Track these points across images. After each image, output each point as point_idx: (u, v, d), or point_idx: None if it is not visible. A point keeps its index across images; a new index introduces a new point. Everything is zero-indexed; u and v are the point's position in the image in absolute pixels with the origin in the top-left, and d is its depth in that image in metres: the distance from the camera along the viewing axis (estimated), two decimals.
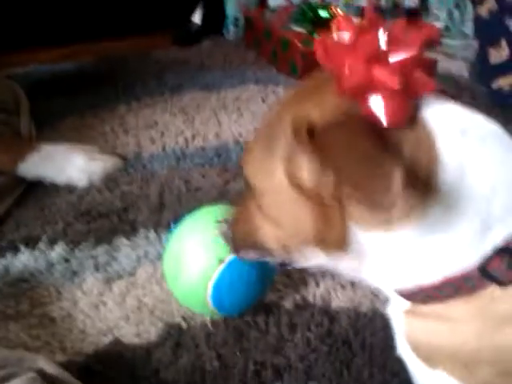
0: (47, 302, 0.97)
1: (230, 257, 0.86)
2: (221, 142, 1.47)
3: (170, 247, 0.94)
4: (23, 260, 1.05)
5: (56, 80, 1.77)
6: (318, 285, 1.01)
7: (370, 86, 0.57)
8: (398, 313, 0.71)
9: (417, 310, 0.67)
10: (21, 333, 0.91)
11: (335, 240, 0.63)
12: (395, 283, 0.67)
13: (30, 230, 1.13)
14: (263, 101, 1.68)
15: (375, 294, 0.99)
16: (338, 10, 2.12)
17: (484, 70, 1.75)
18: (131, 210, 1.19)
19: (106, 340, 0.91)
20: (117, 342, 0.91)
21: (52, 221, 1.16)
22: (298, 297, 0.98)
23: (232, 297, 0.89)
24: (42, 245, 1.08)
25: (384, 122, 0.57)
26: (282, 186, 0.63)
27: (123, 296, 0.99)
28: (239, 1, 2.19)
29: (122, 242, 1.10)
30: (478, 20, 1.83)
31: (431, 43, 0.67)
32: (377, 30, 0.59)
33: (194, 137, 1.48)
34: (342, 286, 1.00)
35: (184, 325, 0.93)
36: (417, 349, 0.68)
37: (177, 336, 0.91)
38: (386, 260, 0.64)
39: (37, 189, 1.27)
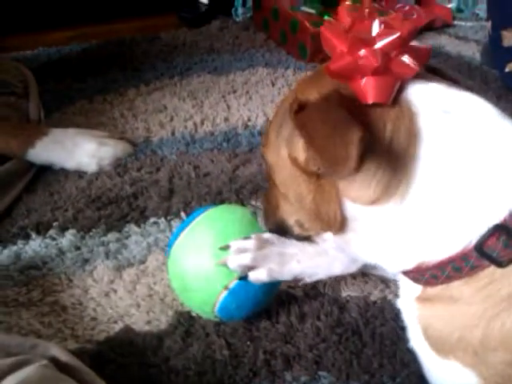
0: (58, 290, 0.98)
1: (234, 282, 0.85)
2: (230, 126, 1.46)
3: (173, 266, 0.90)
4: (34, 247, 1.06)
5: (64, 63, 1.76)
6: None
7: (355, 68, 0.63)
8: (409, 301, 0.73)
9: (427, 296, 0.69)
10: (33, 320, 0.92)
11: (332, 214, 0.69)
12: (399, 262, 0.70)
13: (41, 215, 1.13)
14: (272, 84, 1.66)
15: (385, 283, 0.99)
16: None
17: (496, 52, 1.72)
18: (141, 197, 1.19)
19: (117, 327, 0.92)
20: (127, 330, 0.91)
21: (62, 207, 1.16)
22: (307, 286, 0.98)
23: (240, 312, 0.89)
24: (52, 232, 1.09)
25: (368, 99, 0.63)
26: (285, 163, 0.72)
27: (134, 284, 0.99)
28: None
29: (132, 229, 1.11)
30: (490, 1, 1.80)
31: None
32: (372, 20, 0.66)
33: (202, 121, 1.48)
34: (352, 275, 1.00)
35: (194, 313, 0.93)
36: (429, 337, 0.70)
37: (187, 324, 0.92)
38: (384, 236, 0.68)
39: (46, 174, 1.27)
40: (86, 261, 1.04)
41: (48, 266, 1.03)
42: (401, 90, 0.65)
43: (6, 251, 1.05)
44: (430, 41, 2.00)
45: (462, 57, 1.88)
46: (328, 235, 0.77)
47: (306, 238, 0.84)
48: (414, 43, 0.67)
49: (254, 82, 1.67)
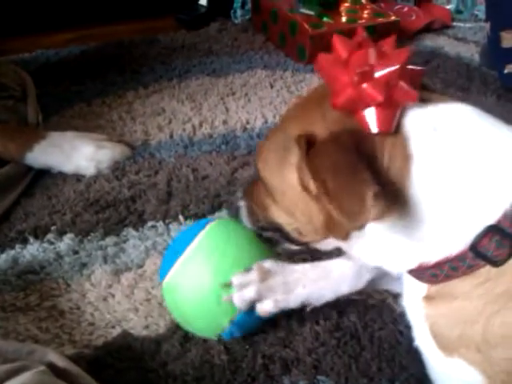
0: (56, 295, 0.98)
1: (239, 314, 0.84)
2: (228, 128, 1.46)
3: (170, 300, 0.88)
4: (32, 251, 1.05)
5: (62, 65, 1.76)
6: None
7: (360, 100, 0.66)
8: (415, 300, 0.75)
9: (431, 294, 0.72)
10: (30, 325, 0.92)
11: (340, 232, 0.73)
12: (401, 264, 0.73)
13: (39, 219, 1.13)
14: (271, 86, 1.66)
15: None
16: None
17: (495, 54, 1.72)
18: (139, 200, 1.19)
19: (115, 332, 0.92)
20: (125, 335, 0.91)
21: (60, 210, 1.16)
22: None
23: (245, 332, 0.89)
24: (50, 236, 1.09)
25: (374, 129, 0.66)
26: (295, 190, 0.73)
27: (132, 288, 0.99)
28: None
29: (130, 233, 1.10)
30: (489, 2, 1.79)
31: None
32: (367, 48, 0.68)
33: (201, 124, 1.47)
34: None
35: None
36: (436, 335, 0.72)
37: (185, 329, 0.91)
38: (386, 242, 0.72)
39: (44, 177, 1.27)
40: (84, 265, 1.04)
41: (46, 270, 1.02)
42: (400, 115, 0.69)
43: (3, 255, 1.05)
44: (429, 42, 2.00)
45: (461, 58, 1.88)
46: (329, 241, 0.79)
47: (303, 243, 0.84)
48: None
49: (253, 84, 1.67)
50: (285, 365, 0.86)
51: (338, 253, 0.88)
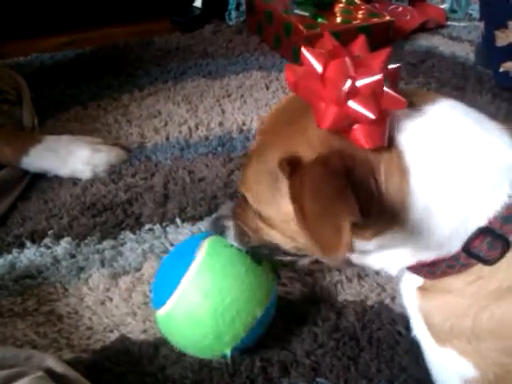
0: (54, 299, 0.98)
1: (238, 342, 0.83)
2: (224, 130, 1.46)
3: (167, 334, 0.86)
4: (29, 256, 1.05)
5: (58, 69, 1.75)
6: (324, 278, 1.00)
7: (347, 119, 0.62)
8: (410, 289, 0.76)
9: (426, 286, 0.73)
10: (28, 330, 0.92)
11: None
12: (399, 265, 0.74)
13: (35, 224, 1.13)
14: (267, 88, 1.66)
15: (382, 287, 0.98)
16: None
17: (490, 53, 1.72)
18: (136, 203, 1.19)
19: (113, 336, 0.92)
20: (123, 339, 0.91)
21: (57, 214, 1.15)
22: (304, 291, 0.98)
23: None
24: (47, 240, 1.08)
25: (365, 145, 0.63)
26: (290, 217, 0.67)
27: (129, 291, 0.99)
28: None
29: (127, 236, 1.10)
30: (483, 2, 1.80)
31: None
32: (342, 57, 0.63)
33: (197, 126, 1.47)
34: (349, 279, 1.00)
35: None
36: (429, 325, 0.73)
37: None
38: (388, 252, 0.72)
39: (40, 181, 1.26)
40: (82, 269, 1.03)
41: (43, 274, 1.02)
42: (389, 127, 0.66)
43: (0, 260, 1.04)
44: (424, 41, 2.00)
45: (456, 57, 1.88)
46: None
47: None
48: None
49: (249, 86, 1.66)
50: (283, 367, 0.86)
51: None
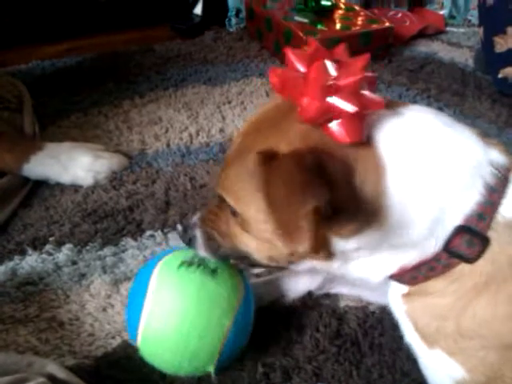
0: (55, 306, 0.98)
1: (219, 356, 0.81)
2: (225, 137, 1.46)
3: (148, 359, 0.84)
4: (31, 262, 1.05)
5: (59, 76, 1.76)
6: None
7: (328, 113, 0.63)
8: (396, 296, 0.77)
9: (410, 291, 0.74)
10: (30, 337, 0.92)
11: (324, 251, 0.69)
12: (381, 272, 0.74)
13: (37, 231, 1.13)
14: (267, 94, 1.67)
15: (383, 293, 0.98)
16: None
17: (489, 59, 1.73)
18: (137, 210, 1.19)
19: (115, 343, 0.92)
20: (125, 345, 0.91)
21: (58, 221, 1.16)
22: (305, 296, 0.98)
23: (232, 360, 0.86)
24: (49, 247, 1.09)
25: (345, 139, 0.64)
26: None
27: None
28: None
29: (128, 242, 1.10)
30: (482, 7, 1.81)
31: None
32: (323, 59, 0.65)
33: (198, 132, 1.48)
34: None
35: None
36: (418, 328, 0.74)
37: None
38: (368, 256, 0.72)
39: (42, 189, 1.27)
40: (83, 275, 1.03)
41: (45, 281, 1.02)
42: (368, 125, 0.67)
43: (2, 267, 1.05)
44: (423, 47, 2.01)
45: (456, 63, 1.89)
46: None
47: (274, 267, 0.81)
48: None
49: (249, 93, 1.67)
50: (286, 373, 0.86)
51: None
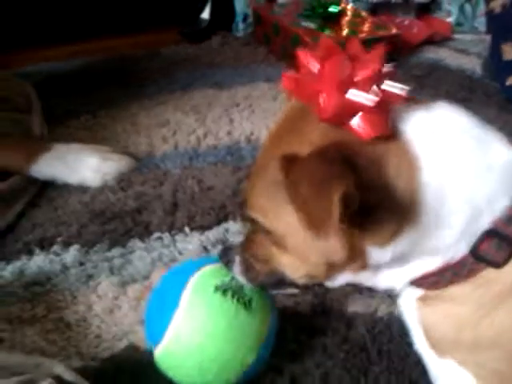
0: (62, 306, 0.97)
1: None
2: (233, 140, 1.47)
3: (169, 371, 0.82)
4: (38, 263, 1.05)
5: (67, 78, 1.77)
6: (334, 289, 1.00)
7: (348, 109, 0.61)
8: (410, 301, 0.75)
9: (427, 296, 0.72)
10: (37, 337, 0.91)
11: (360, 261, 0.67)
12: (405, 278, 0.72)
13: (45, 231, 1.13)
14: (274, 99, 1.67)
15: (392, 298, 0.98)
16: (348, 4, 2.10)
17: (497, 66, 1.73)
18: (145, 211, 1.19)
19: (122, 345, 0.91)
20: (132, 347, 0.90)
21: (66, 222, 1.15)
22: (314, 302, 0.97)
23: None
24: (56, 247, 1.08)
25: (369, 134, 0.61)
26: (298, 224, 0.63)
27: (138, 300, 0.98)
28: None
29: (136, 244, 1.10)
30: (490, 15, 1.81)
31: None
32: (338, 56, 0.63)
33: (205, 135, 1.48)
34: (358, 291, 0.99)
35: None
36: (429, 336, 0.72)
37: None
38: (399, 264, 0.70)
39: (49, 189, 1.27)
40: (90, 276, 1.03)
41: (52, 281, 1.02)
42: (392, 120, 0.64)
43: (10, 267, 1.04)
44: (430, 54, 2.01)
45: (463, 70, 1.89)
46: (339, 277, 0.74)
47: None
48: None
49: (256, 96, 1.67)
50: (293, 378, 0.85)
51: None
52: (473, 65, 1.92)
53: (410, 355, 0.88)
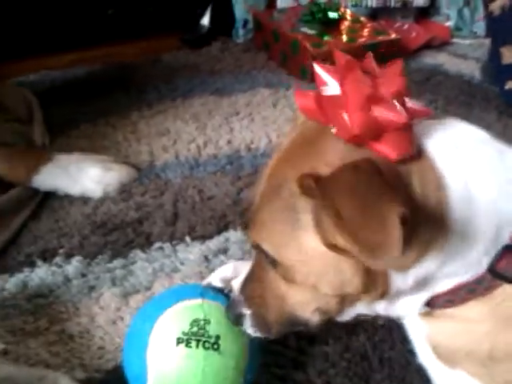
0: (65, 318, 0.98)
1: None
2: (233, 148, 1.47)
3: None
4: (40, 274, 1.06)
5: (68, 86, 1.77)
6: None
7: (374, 127, 0.58)
8: (416, 317, 0.72)
9: (434, 312, 0.70)
10: (40, 349, 0.92)
11: (380, 288, 0.64)
12: (421, 302, 0.69)
13: (46, 243, 1.14)
14: (274, 105, 1.67)
15: None
16: (348, 10, 2.11)
17: (496, 70, 1.74)
18: (146, 222, 1.19)
19: None
20: None
21: (68, 233, 1.16)
22: None
23: None
24: (58, 259, 1.09)
25: (394, 155, 0.58)
26: (316, 253, 0.62)
27: None
28: (247, 2, 2.18)
29: (137, 255, 1.11)
30: (489, 18, 1.81)
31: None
32: (357, 72, 0.60)
33: (206, 144, 1.48)
34: None
35: None
36: (437, 350, 0.71)
37: None
38: (416, 289, 0.67)
39: (51, 200, 1.27)
40: (92, 288, 1.04)
41: (54, 293, 1.02)
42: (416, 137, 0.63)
43: (12, 279, 1.05)
44: (430, 59, 2.02)
45: (462, 75, 1.89)
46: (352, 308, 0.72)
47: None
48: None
49: (256, 104, 1.68)
50: None
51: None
52: (472, 69, 1.92)
53: (411, 362, 0.89)
